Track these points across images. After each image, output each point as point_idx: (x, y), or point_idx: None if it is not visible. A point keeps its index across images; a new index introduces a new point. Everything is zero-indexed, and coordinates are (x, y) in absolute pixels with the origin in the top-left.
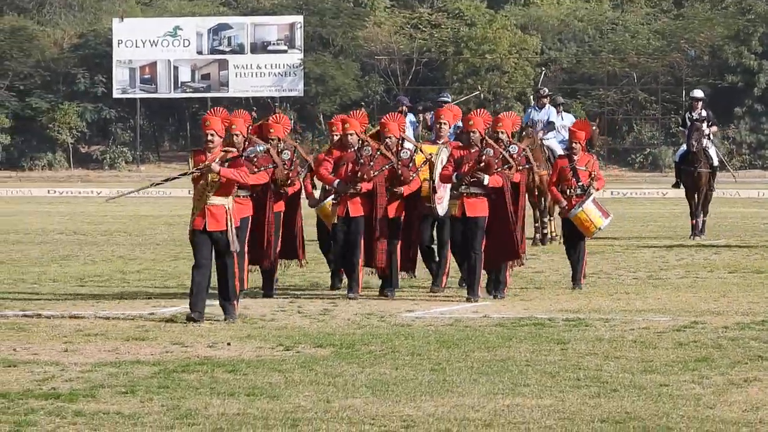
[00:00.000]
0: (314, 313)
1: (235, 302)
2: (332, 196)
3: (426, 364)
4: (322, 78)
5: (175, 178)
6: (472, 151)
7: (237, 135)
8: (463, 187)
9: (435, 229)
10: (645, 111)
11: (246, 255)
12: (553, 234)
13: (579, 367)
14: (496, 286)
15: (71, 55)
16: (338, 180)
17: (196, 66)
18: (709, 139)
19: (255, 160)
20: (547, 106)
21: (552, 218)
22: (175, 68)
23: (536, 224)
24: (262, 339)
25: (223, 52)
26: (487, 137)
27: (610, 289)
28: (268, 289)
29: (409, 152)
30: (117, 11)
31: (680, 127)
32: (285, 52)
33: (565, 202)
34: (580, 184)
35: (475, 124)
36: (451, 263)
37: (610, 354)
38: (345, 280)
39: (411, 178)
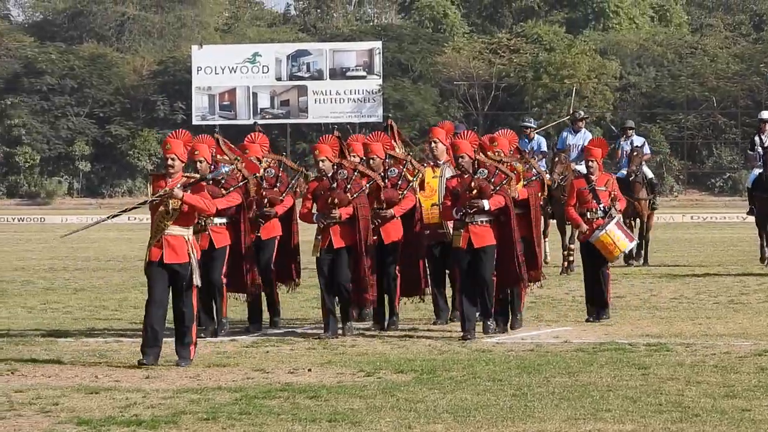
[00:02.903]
0: (395, 338)
1: (192, 347)
2: None
3: (507, 390)
4: (401, 103)
5: (134, 208)
6: (466, 177)
7: (201, 161)
8: (467, 218)
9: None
10: (725, 135)
11: (224, 287)
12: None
13: (660, 392)
14: (513, 312)
15: (150, 82)
16: (316, 214)
17: (275, 92)
18: None
19: (223, 181)
20: (583, 130)
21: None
22: (254, 94)
23: (564, 252)
24: (343, 365)
25: (302, 78)
26: (478, 158)
27: (691, 313)
28: (254, 321)
29: (396, 170)
30: (196, 38)
31: (749, 151)
32: (364, 77)
33: (585, 226)
34: (601, 205)
35: (461, 148)
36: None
37: (692, 379)
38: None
39: (399, 197)
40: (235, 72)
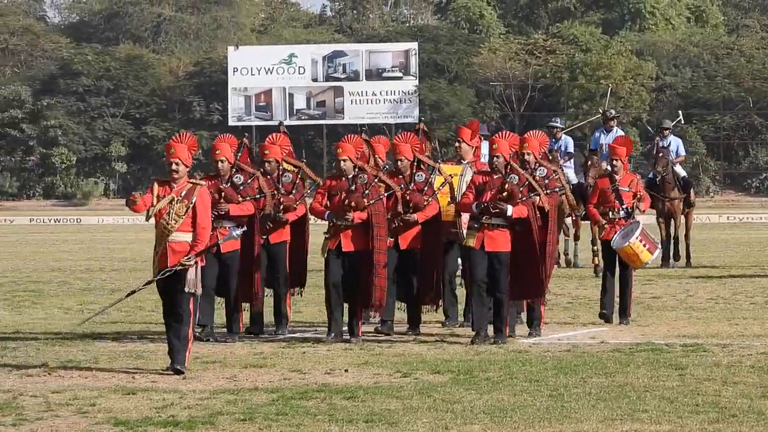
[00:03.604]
0: (431, 339)
1: (187, 353)
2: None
3: (544, 390)
4: (437, 104)
5: (143, 287)
6: (495, 177)
7: (222, 161)
8: (484, 217)
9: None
10: (761, 135)
11: (235, 295)
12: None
13: (697, 393)
14: (530, 323)
15: (187, 83)
16: (328, 212)
17: (311, 93)
18: None
19: (241, 188)
20: (615, 129)
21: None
22: (291, 95)
23: (594, 248)
24: (380, 365)
25: (338, 79)
26: (512, 163)
27: (727, 314)
28: (255, 327)
29: (424, 175)
30: (232, 39)
31: None
32: (400, 78)
33: (604, 222)
34: (624, 206)
35: (499, 148)
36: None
37: (729, 379)
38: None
39: (425, 203)
40: (271, 73)
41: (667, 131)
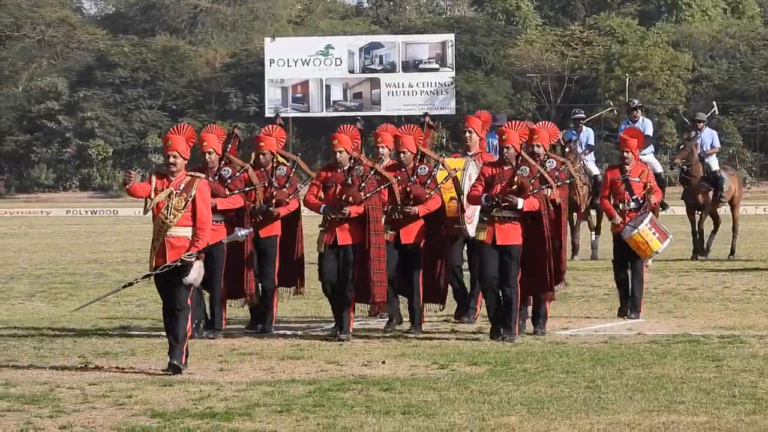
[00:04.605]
0: (468, 331)
1: (185, 347)
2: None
3: (581, 382)
4: (473, 96)
5: (141, 280)
6: (506, 169)
7: (210, 153)
8: (494, 210)
9: (466, 248)
10: None
11: (220, 290)
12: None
13: (734, 384)
14: (535, 321)
15: (223, 74)
16: (324, 205)
17: (347, 85)
18: None
19: (229, 182)
20: (641, 118)
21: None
22: (327, 87)
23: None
24: (417, 357)
25: (374, 71)
26: (523, 154)
27: (764, 305)
28: (261, 323)
29: (427, 168)
30: (268, 30)
31: None
32: (436, 70)
33: (618, 219)
34: (634, 197)
35: (509, 139)
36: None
37: (765, 371)
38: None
39: (427, 196)
40: (307, 64)
41: (701, 124)
